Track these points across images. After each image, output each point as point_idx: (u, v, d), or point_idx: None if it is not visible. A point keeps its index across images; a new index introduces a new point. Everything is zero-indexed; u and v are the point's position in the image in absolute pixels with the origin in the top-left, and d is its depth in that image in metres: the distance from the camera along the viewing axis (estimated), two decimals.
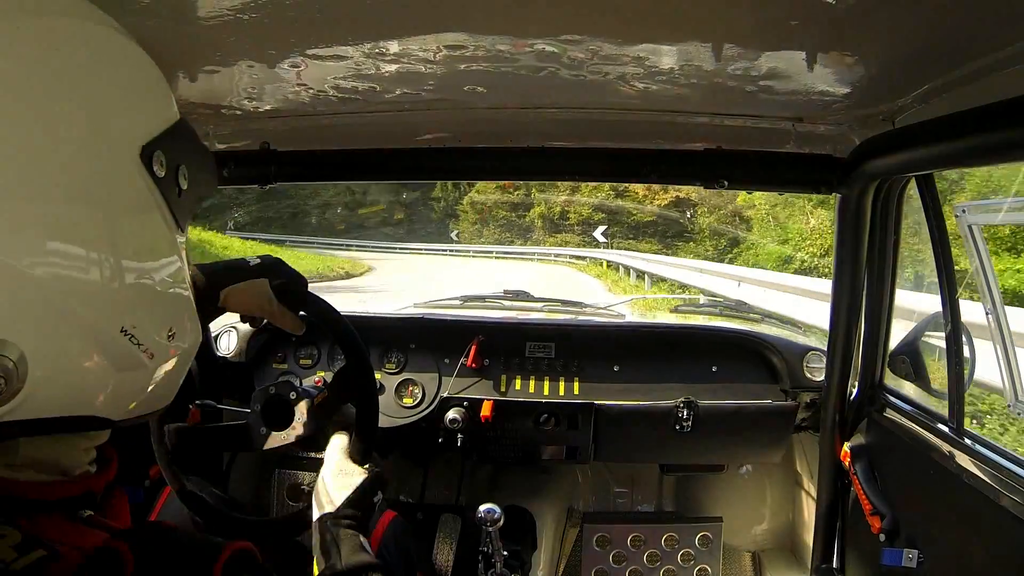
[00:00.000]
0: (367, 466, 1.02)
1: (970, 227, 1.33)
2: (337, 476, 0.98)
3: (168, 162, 0.57)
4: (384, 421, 1.74)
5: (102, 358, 0.53)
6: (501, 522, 1.49)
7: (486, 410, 1.75)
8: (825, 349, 1.62)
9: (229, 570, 0.57)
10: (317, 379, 1.84)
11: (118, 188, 0.54)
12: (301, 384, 1.18)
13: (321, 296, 1.10)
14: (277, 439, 1.14)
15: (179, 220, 0.60)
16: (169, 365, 0.61)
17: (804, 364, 1.79)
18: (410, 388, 1.84)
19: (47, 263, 0.48)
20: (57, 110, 0.50)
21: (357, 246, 17.10)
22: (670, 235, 16.48)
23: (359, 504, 0.94)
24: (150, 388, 0.59)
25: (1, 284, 0.46)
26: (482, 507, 1.49)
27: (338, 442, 1.05)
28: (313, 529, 0.92)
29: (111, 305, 0.53)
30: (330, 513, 0.92)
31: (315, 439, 1.12)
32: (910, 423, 1.37)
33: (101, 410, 0.54)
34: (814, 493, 1.68)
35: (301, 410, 1.12)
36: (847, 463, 1.51)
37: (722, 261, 12.22)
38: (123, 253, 0.53)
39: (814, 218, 11.01)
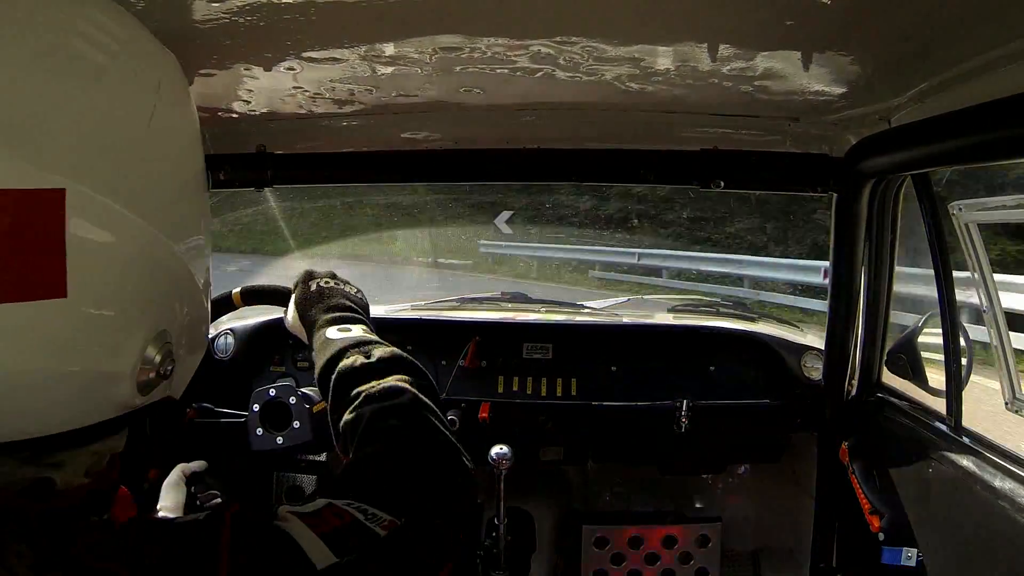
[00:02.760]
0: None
1: (967, 225, 1.34)
2: (296, 324, 0.93)
3: (212, 174, 0.66)
4: None
5: (193, 339, 0.59)
6: (510, 464, 1.52)
7: (484, 411, 1.75)
8: (823, 348, 1.62)
9: (236, 530, 0.54)
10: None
11: (200, 191, 0.62)
12: (300, 389, 1.18)
13: None
14: (274, 441, 1.14)
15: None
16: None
17: (802, 363, 1.79)
18: None
19: (181, 257, 0.55)
20: (173, 122, 0.58)
21: None
22: None
23: (304, 310, 0.88)
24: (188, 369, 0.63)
25: (165, 280, 0.52)
26: (493, 449, 1.53)
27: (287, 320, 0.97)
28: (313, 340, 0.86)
29: (204, 291, 0.60)
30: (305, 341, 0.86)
31: (313, 444, 1.12)
32: (908, 421, 1.37)
33: (175, 391, 0.59)
34: (812, 492, 1.68)
35: (300, 414, 1.12)
36: (845, 462, 1.51)
37: None
38: (206, 245, 0.62)
39: None
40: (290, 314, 0.94)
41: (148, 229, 0.50)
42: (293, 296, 0.94)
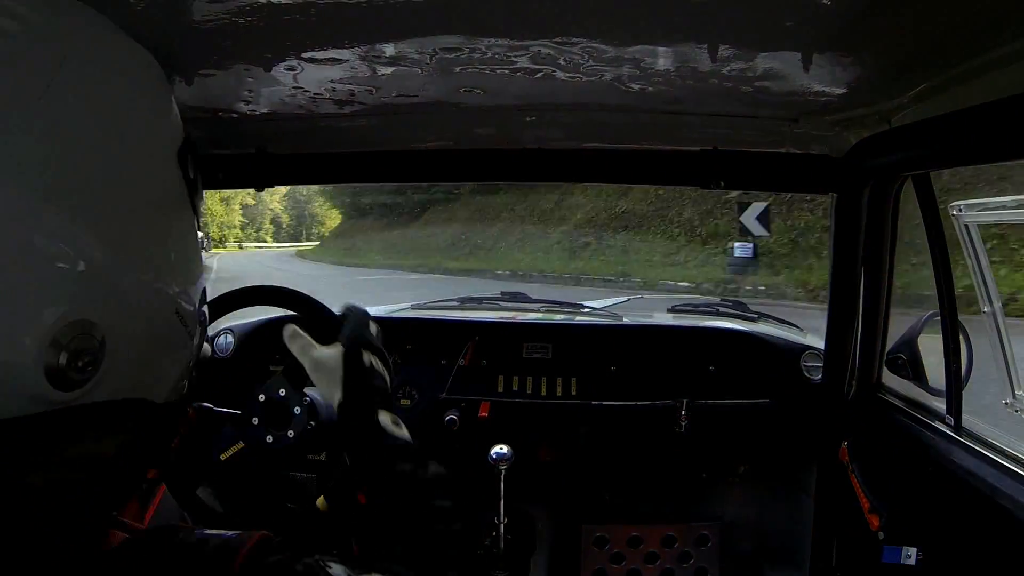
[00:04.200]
0: (341, 333, 0.94)
1: (967, 226, 1.34)
2: (317, 374, 0.92)
3: (194, 167, 0.63)
4: None
5: (160, 337, 0.56)
6: (510, 464, 1.55)
7: (484, 411, 1.75)
8: (822, 348, 1.62)
9: (252, 559, 0.55)
10: None
11: (167, 182, 0.59)
12: (306, 395, 1.18)
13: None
14: (264, 435, 1.14)
15: (198, 223, 0.65)
16: (198, 349, 0.64)
17: (802, 363, 1.80)
18: (407, 389, 1.84)
19: (120, 244, 0.52)
20: (121, 114, 0.55)
21: None
22: None
23: (353, 383, 0.88)
24: (185, 371, 0.62)
25: (85, 268, 0.49)
26: (493, 450, 1.56)
27: (295, 345, 0.95)
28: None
29: (168, 285, 0.57)
30: (338, 405, 0.88)
31: (313, 443, 1.12)
32: (908, 421, 1.38)
33: (149, 393, 0.57)
34: (812, 492, 1.69)
35: (300, 414, 1.12)
36: (845, 461, 1.51)
37: None
38: (174, 239, 0.59)
39: None
40: (331, 361, 0.92)
41: (41, 212, 0.48)
42: (348, 336, 0.94)
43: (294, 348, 0.94)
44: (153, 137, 0.59)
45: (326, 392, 0.91)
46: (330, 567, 0.56)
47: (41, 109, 0.49)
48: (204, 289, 0.66)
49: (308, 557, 0.56)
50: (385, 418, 0.85)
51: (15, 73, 0.49)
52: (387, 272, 17.59)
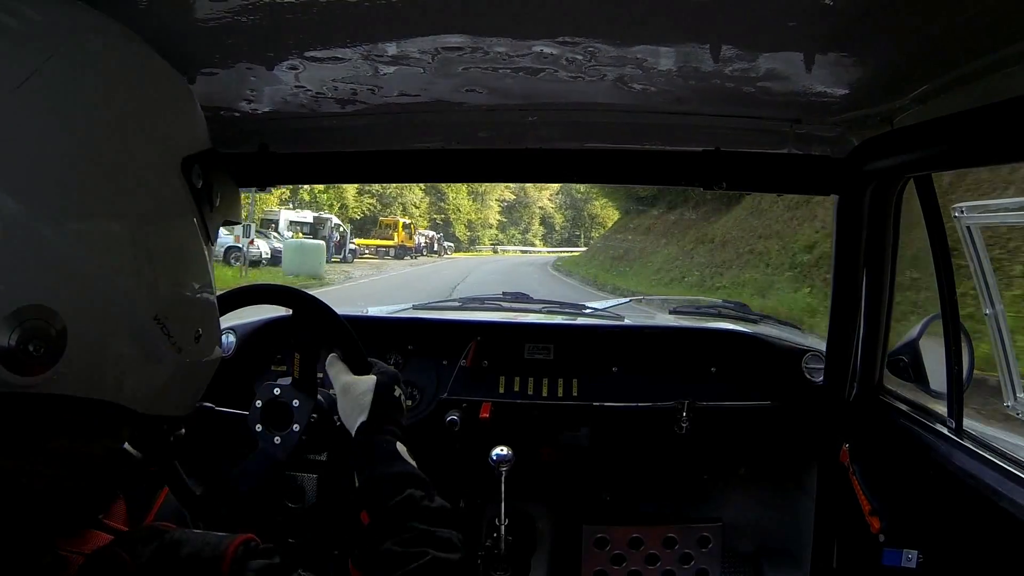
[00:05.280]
0: (374, 369, 1.03)
1: (968, 228, 1.34)
2: (344, 396, 0.99)
3: (204, 177, 0.63)
4: None
5: (134, 342, 0.55)
6: (511, 465, 1.57)
7: (485, 411, 1.75)
8: (824, 350, 1.62)
9: (238, 563, 0.57)
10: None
11: (161, 187, 0.59)
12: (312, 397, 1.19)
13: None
14: (272, 439, 1.14)
15: (210, 232, 0.65)
16: (193, 366, 0.63)
17: (803, 365, 1.80)
18: (408, 390, 1.84)
19: (92, 242, 0.52)
20: (107, 114, 0.55)
21: None
22: None
23: (379, 410, 0.95)
24: (173, 386, 0.61)
25: (48, 258, 0.49)
26: (494, 451, 1.57)
27: (333, 370, 1.05)
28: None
29: (148, 290, 0.56)
30: (359, 425, 0.93)
31: (312, 445, 1.12)
32: (909, 423, 1.37)
33: (124, 398, 0.56)
34: (813, 493, 1.68)
35: (300, 419, 1.13)
36: (846, 463, 1.51)
37: None
38: (162, 245, 0.58)
39: None
40: (362, 387, 0.99)
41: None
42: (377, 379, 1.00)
43: (331, 371, 1.04)
44: (147, 142, 0.58)
45: (348, 412, 0.97)
46: None
47: (13, 101, 0.49)
48: (208, 304, 0.65)
49: (295, 570, 0.58)
50: (402, 447, 0.91)
51: None
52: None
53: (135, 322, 0.55)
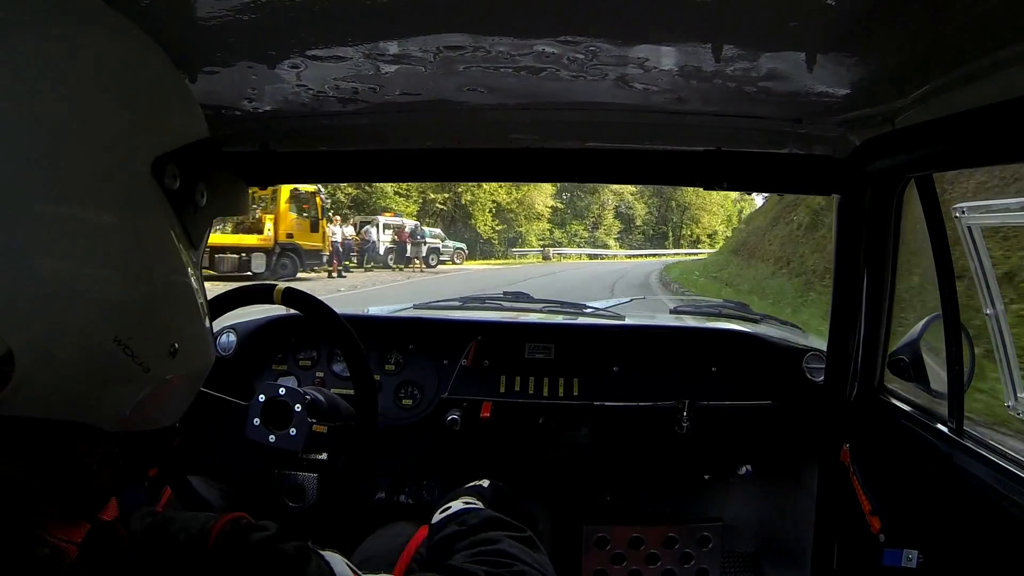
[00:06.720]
0: None
1: (969, 228, 1.33)
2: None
3: (183, 176, 0.55)
4: (383, 422, 1.74)
5: (92, 365, 0.51)
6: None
7: (485, 411, 1.75)
8: (824, 350, 1.62)
9: (225, 535, 0.57)
10: (316, 379, 1.84)
11: (124, 195, 0.52)
12: (306, 393, 1.18)
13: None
14: (266, 437, 1.15)
15: (192, 236, 0.58)
16: (169, 383, 0.57)
17: (804, 365, 1.80)
18: (409, 389, 1.84)
19: (36, 258, 0.47)
20: (67, 112, 0.49)
21: None
22: None
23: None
24: (147, 404, 0.56)
25: None
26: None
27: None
28: None
29: (106, 312, 0.51)
30: None
31: (297, 455, 1.13)
32: (910, 424, 1.37)
33: (93, 418, 0.52)
34: (813, 493, 1.68)
35: (299, 423, 1.13)
36: (847, 463, 1.51)
37: None
38: (124, 261, 0.52)
39: None
40: None
41: None
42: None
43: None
44: (108, 139, 0.51)
45: None
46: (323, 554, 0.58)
47: None
48: (188, 315, 0.58)
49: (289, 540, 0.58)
50: None
51: None
52: None
53: (92, 345, 0.50)
